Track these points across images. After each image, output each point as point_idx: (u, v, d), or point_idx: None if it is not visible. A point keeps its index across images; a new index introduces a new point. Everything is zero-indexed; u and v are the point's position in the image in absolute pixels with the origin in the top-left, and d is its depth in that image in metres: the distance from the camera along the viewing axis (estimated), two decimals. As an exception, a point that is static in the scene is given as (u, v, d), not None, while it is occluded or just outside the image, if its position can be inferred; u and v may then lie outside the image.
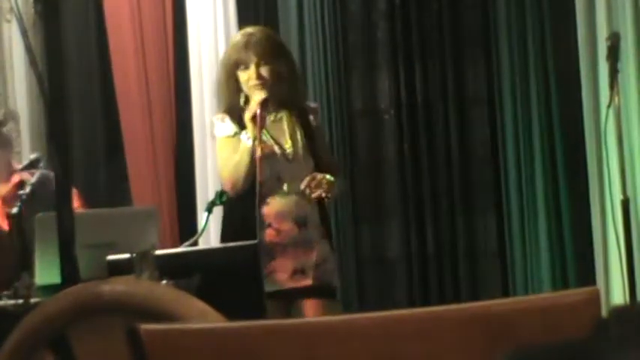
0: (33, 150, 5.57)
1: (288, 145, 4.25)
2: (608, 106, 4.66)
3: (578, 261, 5.50)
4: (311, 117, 4.35)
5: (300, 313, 4.19)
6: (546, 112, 5.59)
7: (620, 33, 4.93)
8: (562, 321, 1.68)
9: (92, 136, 6.30)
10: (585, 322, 1.48)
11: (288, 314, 4.17)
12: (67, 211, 2.85)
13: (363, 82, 5.92)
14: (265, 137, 4.24)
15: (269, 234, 4.18)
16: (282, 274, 4.17)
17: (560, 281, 5.49)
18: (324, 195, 4.18)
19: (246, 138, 4.19)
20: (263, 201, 4.20)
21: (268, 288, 4.09)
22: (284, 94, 4.25)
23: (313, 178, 4.17)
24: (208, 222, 4.11)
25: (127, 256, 3.25)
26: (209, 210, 4.12)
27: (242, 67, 4.21)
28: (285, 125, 4.29)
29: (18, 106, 6.16)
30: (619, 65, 4.69)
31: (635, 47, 5.34)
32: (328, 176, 4.19)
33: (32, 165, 4.35)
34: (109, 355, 2.25)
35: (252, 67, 4.19)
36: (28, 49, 3.75)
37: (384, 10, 5.92)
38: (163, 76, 6.27)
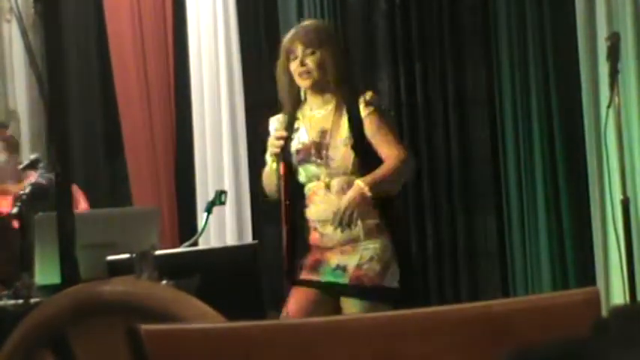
0: (33, 150, 5.58)
1: (325, 141, 4.24)
2: (608, 106, 4.66)
3: (578, 261, 5.50)
4: (362, 106, 4.24)
5: (339, 311, 4.16)
6: (546, 112, 5.59)
7: (620, 33, 4.92)
8: (562, 321, 1.68)
9: (92, 136, 6.31)
10: (585, 322, 1.48)
11: (335, 309, 4.16)
12: (67, 211, 2.84)
13: (363, 82, 5.92)
14: (305, 138, 4.25)
15: (313, 238, 4.19)
16: (326, 267, 4.17)
17: (560, 281, 5.49)
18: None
19: (271, 160, 4.23)
20: (307, 204, 4.22)
21: (314, 278, 4.13)
22: (332, 81, 4.27)
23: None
24: (208, 222, 4.11)
25: (127, 256, 3.25)
26: (209, 210, 4.12)
27: (292, 56, 4.27)
28: (330, 118, 4.28)
29: (18, 107, 6.17)
30: (619, 65, 4.69)
31: (635, 47, 5.34)
32: (348, 199, 4.12)
33: (32, 165, 4.35)
34: (109, 355, 2.25)
35: (299, 56, 4.24)
36: (28, 49, 3.74)
37: (384, 10, 5.93)
38: (163, 76, 6.28)
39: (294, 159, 4.24)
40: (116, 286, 2.39)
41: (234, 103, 6.14)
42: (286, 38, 4.36)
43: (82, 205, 4.53)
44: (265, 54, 6.09)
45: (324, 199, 4.18)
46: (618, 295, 5.10)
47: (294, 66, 4.26)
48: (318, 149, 4.23)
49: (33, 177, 4.29)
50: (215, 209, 4.19)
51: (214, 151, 6.11)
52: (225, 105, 6.11)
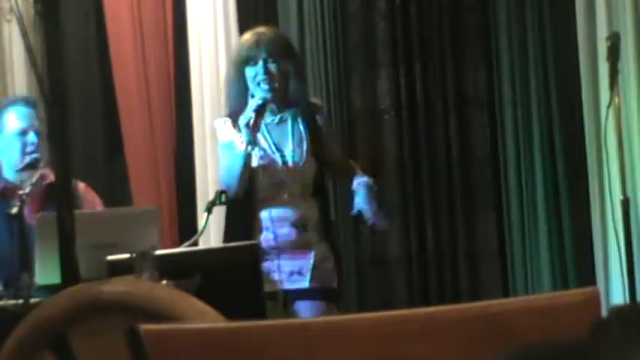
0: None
1: (289, 150, 4.25)
2: (608, 107, 4.66)
3: (578, 261, 5.50)
4: (317, 116, 4.34)
5: (296, 316, 4.18)
6: (546, 112, 5.59)
7: (620, 33, 4.93)
8: (562, 321, 1.68)
9: (92, 136, 6.30)
10: (585, 322, 1.48)
11: (285, 316, 4.17)
12: (67, 211, 2.84)
13: (363, 82, 5.91)
14: (265, 144, 4.25)
15: (266, 238, 4.19)
16: (278, 275, 4.18)
17: (560, 281, 5.49)
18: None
19: (240, 142, 4.20)
20: (262, 207, 4.22)
21: (265, 289, 4.11)
22: (290, 93, 4.26)
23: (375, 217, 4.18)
24: (208, 222, 4.11)
25: (127, 256, 3.25)
26: (209, 210, 4.12)
27: (251, 62, 4.22)
28: (289, 127, 4.29)
29: (18, 106, 6.16)
30: (619, 65, 4.69)
31: (635, 47, 5.34)
32: (370, 201, 4.19)
33: (32, 165, 4.34)
34: (109, 355, 2.25)
35: (260, 63, 4.20)
36: (28, 49, 3.74)
37: (384, 10, 5.92)
38: (163, 76, 6.27)
39: (257, 164, 4.23)
40: (116, 286, 2.39)
41: (234, 103, 6.14)
42: (246, 42, 4.28)
43: (97, 205, 4.52)
44: (265, 54, 6.09)
45: (284, 202, 4.20)
46: (618, 295, 5.10)
47: (253, 72, 4.22)
48: (282, 156, 4.24)
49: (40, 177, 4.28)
50: (215, 209, 4.19)
51: (214, 151, 6.10)
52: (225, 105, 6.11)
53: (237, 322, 1.78)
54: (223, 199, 4.15)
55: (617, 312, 1.43)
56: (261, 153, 4.23)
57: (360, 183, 4.26)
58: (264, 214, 4.21)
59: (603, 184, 5.30)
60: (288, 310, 4.18)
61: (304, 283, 4.18)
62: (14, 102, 4.43)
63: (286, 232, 4.20)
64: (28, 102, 4.38)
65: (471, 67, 5.81)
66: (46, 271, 3.57)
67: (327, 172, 4.44)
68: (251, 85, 4.22)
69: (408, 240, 5.79)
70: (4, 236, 4.02)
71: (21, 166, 4.33)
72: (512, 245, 5.64)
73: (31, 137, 4.31)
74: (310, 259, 4.20)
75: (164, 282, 3.12)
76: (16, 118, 4.34)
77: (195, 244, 4.10)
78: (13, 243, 3.84)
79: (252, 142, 4.16)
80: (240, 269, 3.60)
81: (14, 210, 3.82)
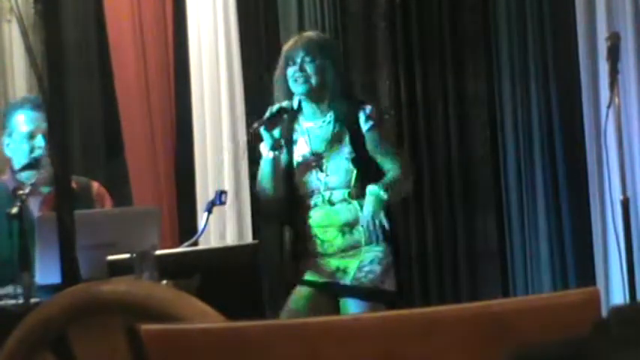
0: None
1: (328, 154, 4.26)
2: (608, 107, 4.66)
3: (578, 261, 5.50)
4: (362, 119, 4.29)
5: (342, 311, 4.19)
6: (546, 112, 5.59)
7: (620, 33, 4.92)
8: (562, 321, 1.68)
9: (92, 136, 6.30)
10: (585, 322, 1.48)
11: (334, 309, 4.16)
12: (67, 211, 2.84)
13: (363, 82, 5.91)
14: (306, 148, 4.27)
15: (314, 244, 4.23)
16: (324, 270, 4.19)
17: (560, 281, 5.49)
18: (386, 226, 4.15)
19: (265, 149, 4.24)
20: (307, 213, 4.25)
21: (309, 277, 4.18)
22: (329, 90, 4.27)
23: (369, 232, 4.15)
24: (208, 222, 4.12)
25: (127, 256, 3.25)
26: (209, 210, 4.13)
27: (290, 63, 4.26)
28: (330, 130, 4.29)
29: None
30: (619, 65, 4.69)
31: (635, 47, 5.34)
32: (371, 210, 4.14)
33: (32, 165, 4.34)
34: (109, 355, 2.25)
35: (298, 61, 4.25)
36: (28, 49, 3.73)
37: (384, 11, 5.92)
38: (163, 76, 6.27)
39: (296, 171, 4.27)
40: (116, 286, 2.39)
41: (235, 104, 6.14)
42: (287, 45, 4.37)
43: (107, 203, 4.53)
44: (265, 55, 6.09)
45: (325, 207, 4.22)
46: (618, 295, 5.10)
47: (291, 71, 4.26)
48: (319, 162, 4.25)
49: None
50: (215, 209, 4.20)
51: (214, 151, 6.11)
52: (226, 105, 6.11)
53: (237, 322, 1.78)
54: (223, 199, 4.16)
55: (617, 312, 1.43)
56: (300, 160, 4.27)
57: (370, 192, 4.22)
58: (310, 221, 4.25)
59: (603, 184, 5.30)
60: (334, 303, 4.18)
61: (347, 280, 4.19)
62: (22, 104, 4.44)
63: (332, 236, 4.22)
64: (35, 104, 4.38)
65: (471, 67, 5.81)
66: (46, 271, 3.57)
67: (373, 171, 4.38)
68: (290, 84, 4.26)
69: (408, 240, 5.79)
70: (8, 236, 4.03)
71: (21, 166, 4.33)
72: (512, 245, 5.64)
73: (39, 141, 4.32)
74: (357, 260, 4.20)
75: (164, 282, 3.12)
76: (24, 122, 4.35)
77: (196, 244, 4.10)
78: (15, 243, 3.84)
79: (276, 146, 4.19)
80: (240, 269, 3.60)
81: (14, 210, 3.82)
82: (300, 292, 4.22)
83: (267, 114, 4.25)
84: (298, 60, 4.26)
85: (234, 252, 3.81)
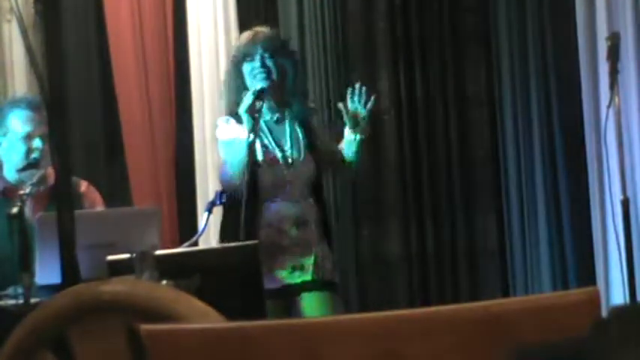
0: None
1: (288, 147, 4.28)
2: (608, 106, 4.66)
3: (578, 261, 5.50)
4: (312, 119, 4.41)
5: (299, 311, 4.21)
6: (546, 112, 5.59)
7: (620, 33, 4.93)
8: (562, 321, 1.68)
9: (92, 136, 6.30)
10: (585, 322, 1.48)
11: (287, 313, 4.20)
12: (67, 211, 2.84)
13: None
14: (266, 141, 4.28)
15: (269, 233, 4.21)
16: (280, 271, 4.21)
17: (560, 281, 5.49)
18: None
19: (243, 131, 4.22)
20: (264, 204, 4.23)
21: (267, 286, 4.12)
22: (287, 91, 4.29)
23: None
24: (208, 222, 4.11)
25: (127, 256, 3.25)
26: (209, 210, 4.12)
27: (248, 59, 4.25)
28: (286, 126, 4.32)
29: (18, 106, 6.15)
30: (619, 65, 4.69)
31: (635, 47, 5.35)
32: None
33: (32, 165, 4.34)
34: (109, 355, 2.25)
35: (257, 57, 4.23)
36: (28, 49, 3.73)
37: (384, 10, 5.92)
38: (163, 75, 6.27)
39: (259, 162, 4.26)
40: (116, 286, 2.39)
41: (234, 103, 6.14)
42: (244, 40, 4.34)
43: (98, 204, 4.52)
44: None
45: (286, 199, 4.23)
46: (618, 295, 5.10)
47: (249, 67, 4.25)
48: (283, 152, 4.27)
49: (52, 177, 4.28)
50: (215, 209, 4.20)
51: (214, 151, 6.11)
52: (225, 105, 6.11)
53: (237, 322, 1.78)
54: (223, 199, 4.16)
55: (617, 312, 1.43)
56: (263, 149, 4.26)
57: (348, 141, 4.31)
58: (266, 212, 4.23)
59: (603, 184, 5.30)
60: (291, 308, 4.21)
61: (307, 277, 4.21)
62: (17, 104, 4.42)
63: (288, 228, 4.23)
64: (31, 105, 4.37)
65: (471, 67, 5.81)
66: (46, 271, 3.57)
67: (325, 174, 4.50)
68: (248, 80, 4.26)
69: (408, 240, 5.79)
70: (5, 236, 4.03)
71: (21, 166, 4.33)
72: (512, 245, 5.65)
73: (37, 143, 4.32)
74: (311, 256, 4.22)
75: (164, 282, 3.12)
76: (21, 122, 4.34)
77: (195, 244, 4.10)
78: (14, 242, 3.84)
79: (255, 130, 4.16)
80: (240, 269, 3.59)
81: (14, 210, 3.82)
82: (271, 308, 4.20)
83: (250, 96, 4.20)
84: (257, 56, 4.24)
85: (234, 252, 3.80)
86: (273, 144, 4.29)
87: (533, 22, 5.62)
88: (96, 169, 6.19)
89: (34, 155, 4.31)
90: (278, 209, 4.25)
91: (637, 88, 5.33)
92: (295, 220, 4.25)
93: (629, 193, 4.79)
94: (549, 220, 5.53)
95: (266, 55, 4.25)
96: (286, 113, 4.34)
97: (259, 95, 4.18)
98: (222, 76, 6.09)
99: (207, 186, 6.05)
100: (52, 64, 2.83)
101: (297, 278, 4.23)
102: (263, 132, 4.29)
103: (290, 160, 4.28)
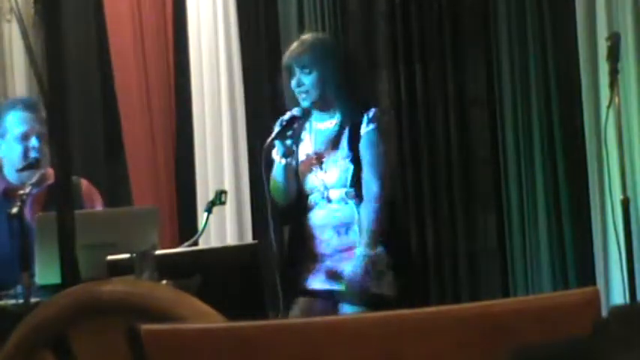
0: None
1: (326, 152, 4.26)
2: (608, 107, 4.66)
3: (578, 261, 5.49)
4: (364, 123, 4.24)
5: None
6: (546, 112, 5.58)
7: (620, 33, 4.92)
8: (562, 321, 1.68)
9: (92, 136, 6.31)
10: (585, 322, 1.48)
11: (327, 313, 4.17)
12: (67, 211, 2.84)
13: (363, 82, 5.90)
14: (310, 147, 4.28)
15: (313, 245, 4.24)
16: (320, 275, 4.21)
17: (560, 281, 5.49)
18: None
19: (277, 156, 4.25)
20: (307, 212, 4.26)
21: (308, 286, 4.20)
22: (330, 100, 4.26)
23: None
24: (208, 222, 4.12)
25: (127, 256, 3.25)
26: (209, 210, 4.13)
27: (291, 74, 4.28)
28: (334, 131, 4.29)
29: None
30: (619, 65, 4.69)
31: (635, 47, 5.34)
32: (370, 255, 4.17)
33: (32, 165, 4.34)
34: (109, 355, 2.25)
35: (296, 75, 4.25)
36: (28, 49, 3.73)
37: (384, 10, 5.92)
38: (163, 76, 6.27)
39: (299, 169, 4.29)
40: (116, 287, 2.39)
41: (235, 104, 6.14)
42: (285, 56, 4.35)
43: (97, 204, 4.52)
44: (265, 55, 6.09)
45: (324, 207, 4.23)
46: (618, 295, 5.10)
47: (293, 83, 4.26)
48: (320, 161, 4.26)
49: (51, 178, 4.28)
50: (215, 209, 4.20)
51: (214, 151, 6.11)
52: (226, 105, 6.11)
53: (237, 322, 1.78)
54: (223, 199, 4.16)
55: (617, 312, 1.43)
56: (303, 158, 4.28)
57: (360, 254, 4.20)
58: (310, 221, 4.26)
59: (603, 184, 5.29)
60: (334, 311, 4.18)
61: (340, 287, 4.18)
62: (14, 105, 4.43)
63: (328, 237, 4.23)
64: (27, 105, 4.38)
65: (471, 67, 5.81)
66: (45, 271, 3.57)
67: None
68: (296, 95, 4.28)
69: (408, 240, 5.78)
70: (5, 236, 4.03)
71: (21, 166, 4.33)
72: (512, 245, 5.64)
73: (33, 142, 4.32)
74: (350, 263, 4.18)
75: (164, 282, 3.12)
76: (16, 123, 4.35)
77: (196, 244, 4.10)
78: (14, 243, 3.84)
79: (288, 153, 4.22)
80: (240, 269, 3.60)
81: (14, 210, 3.82)
82: (300, 303, 4.23)
83: (279, 124, 4.25)
84: (296, 73, 4.25)
85: (234, 252, 3.81)
86: (312, 153, 4.29)
87: (533, 22, 5.61)
88: (96, 169, 6.20)
89: (33, 155, 4.31)
90: (318, 217, 4.26)
91: (637, 88, 5.33)
92: (334, 227, 4.24)
93: (629, 193, 4.79)
94: (549, 220, 5.53)
95: (304, 71, 4.23)
96: (337, 116, 4.30)
97: (288, 123, 4.21)
98: (222, 75, 6.15)
99: (207, 186, 6.05)
100: (51, 64, 2.83)
101: (335, 285, 4.19)
102: (309, 138, 4.31)
103: (325, 168, 4.26)
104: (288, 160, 4.25)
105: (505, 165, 5.67)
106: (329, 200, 4.24)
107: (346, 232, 4.22)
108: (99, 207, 4.50)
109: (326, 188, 4.25)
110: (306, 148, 4.32)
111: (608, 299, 5.24)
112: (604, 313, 1.53)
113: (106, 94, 6.31)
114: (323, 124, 4.32)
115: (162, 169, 6.20)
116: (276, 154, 4.29)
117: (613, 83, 4.62)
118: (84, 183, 4.51)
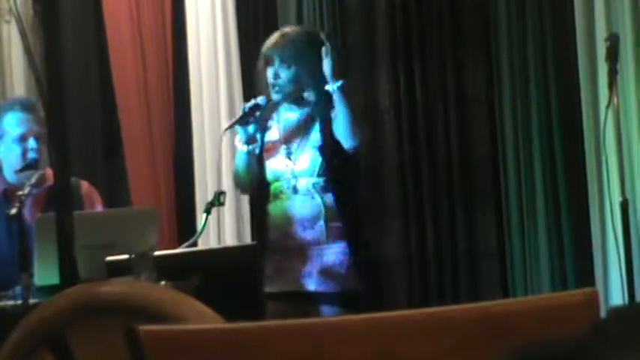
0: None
1: (295, 146, 4.23)
2: (607, 107, 4.66)
3: (577, 262, 5.49)
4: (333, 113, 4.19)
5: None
6: (546, 112, 5.58)
7: (619, 34, 4.92)
8: (561, 321, 1.68)
9: (91, 136, 6.30)
10: (584, 322, 1.48)
11: (299, 315, 4.12)
12: (67, 211, 2.84)
13: (363, 82, 5.91)
14: (276, 135, 4.25)
15: (275, 236, 4.18)
16: (289, 275, 4.16)
17: (560, 282, 5.49)
18: None
19: (239, 143, 4.23)
20: (271, 201, 4.21)
21: (275, 289, 4.10)
22: (305, 95, 4.24)
23: None
24: (207, 223, 4.11)
25: (125, 257, 3.25)
26: (208, 211, 4.12)
27: (269, 63, 4.23)
28: (303, 120, 4.25)
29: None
30: (618, 66, 4.69)
31: (634, 48, 5.34)
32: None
33: (31, 166, 4.34)
34: (108, 356, 2.25)
35: (274, 65, 4.21)
36: (27, 49, 3.74)
37: (384, 10, 5.92)
38: (162, 76, 6.27)
39: (263, 155, 4.25)
40: (115, 287, 2.39)
41: (234, 104, 6.14)
42: (266, 45, 4.30)
43: (97, 205, 4.52)
44: (265, 54, 6.09)
45: (289, 197, 4.18)
46: (617, 296, 5.10)
47: (269, 73, 4.23)
48: (288, 149, 4.23)
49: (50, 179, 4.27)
50: (214, 210, 4.19)
51: (214, 152, 6.11)
52: (224, 105, 6.11)
53: (236, 323, 1.78)
54: (222, 199, 4.16)
55: (616, 312, 1.42)
56: (269, 144, 4.25)
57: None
58: (273, 211, 4.21)
59: (602, 185, 5.29)
60: (304, 312, 4.13)
61: (311, 286, 4.14)
62: (12, 106, 4.43)
63: (293, 229, 4.17)
64: (25, 106, 4.38)
65: (471, 67, 5.81)
66: (45, 272, 3.57)
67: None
68: (269, 85, 4.24)
69: (407, 240, 5.78)
70: (5, 237, 4.03)
71: (20, 167, 4.33)
72: (512, 245, 5.64)
73: (31, 143, 4.32)
74: (319, 261, 4.15)
75: (163, 283, 3.12)
76: (14, 124, 4.35)
77: (195, 244, 4.10)
78: (13, 243, 3.84)
79: (250, 141, 4.18)
80: (239, 269, 3.59)
81: (13, 210, 3.82)
82: (273, 307, 4.10)
83: (242, 110, 4.22)
84: (275, 64, 4.22)
85: (233, 253, 3.80)
86: (281, 141, 4.26)
87: (533, 22, 5.61)
88: (95, 169, 6.19)
89: (31, 156, 4.31)
90: (283, 208, 4.21)
91: (636, 89, 5.33)
92: (300, 220, 4.18)
93: (628, 195, 4.79)
94: (548, 220, 5.53)
95: (282, 65, 4.20)
96: (306, 109, 4.26)
97: (251, 110, 4.18)
98: (221, 75, 6.14)
99: (206, 187, 6.05)
100: (50, 65, 2.83)
101: (304, 286, 4.13)
102: (276, 127, 4.28)
103: (293, 158, 4.22)
104: (251, 147, 4.21)
105: (505, 165, 5.67)
106: (295, 190, 4.19)
107: (312, 228, 4.18)
108: (99, 208, 4.50)
109: (294, 176, 4.19)
110: (274, 135, 4.29)
111: (607, 300, 5.24)
112: (603, 313, 1.53)
113: (105, 94, 6.31)
114: (292, 114, 4.28)
115: (160, 169, 6.20)
116: (238, 141, 4.26)
117: (612, 84, 4.62)
118: (84, 184, 4.51)
